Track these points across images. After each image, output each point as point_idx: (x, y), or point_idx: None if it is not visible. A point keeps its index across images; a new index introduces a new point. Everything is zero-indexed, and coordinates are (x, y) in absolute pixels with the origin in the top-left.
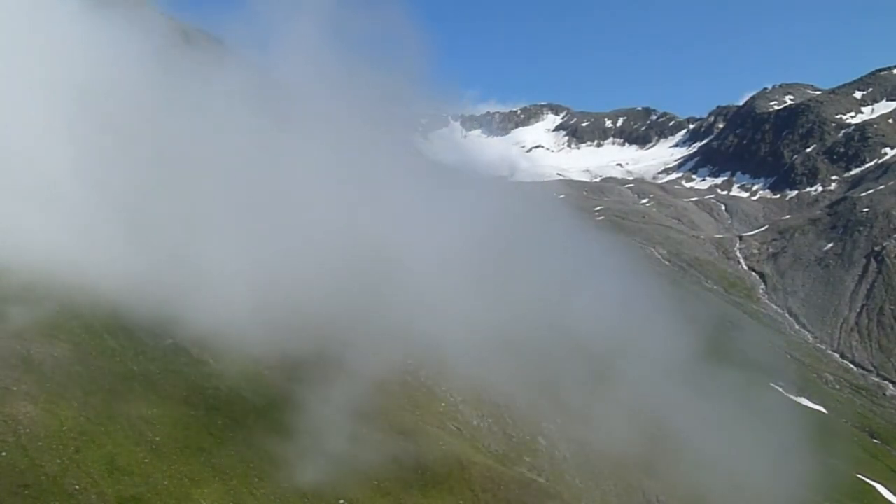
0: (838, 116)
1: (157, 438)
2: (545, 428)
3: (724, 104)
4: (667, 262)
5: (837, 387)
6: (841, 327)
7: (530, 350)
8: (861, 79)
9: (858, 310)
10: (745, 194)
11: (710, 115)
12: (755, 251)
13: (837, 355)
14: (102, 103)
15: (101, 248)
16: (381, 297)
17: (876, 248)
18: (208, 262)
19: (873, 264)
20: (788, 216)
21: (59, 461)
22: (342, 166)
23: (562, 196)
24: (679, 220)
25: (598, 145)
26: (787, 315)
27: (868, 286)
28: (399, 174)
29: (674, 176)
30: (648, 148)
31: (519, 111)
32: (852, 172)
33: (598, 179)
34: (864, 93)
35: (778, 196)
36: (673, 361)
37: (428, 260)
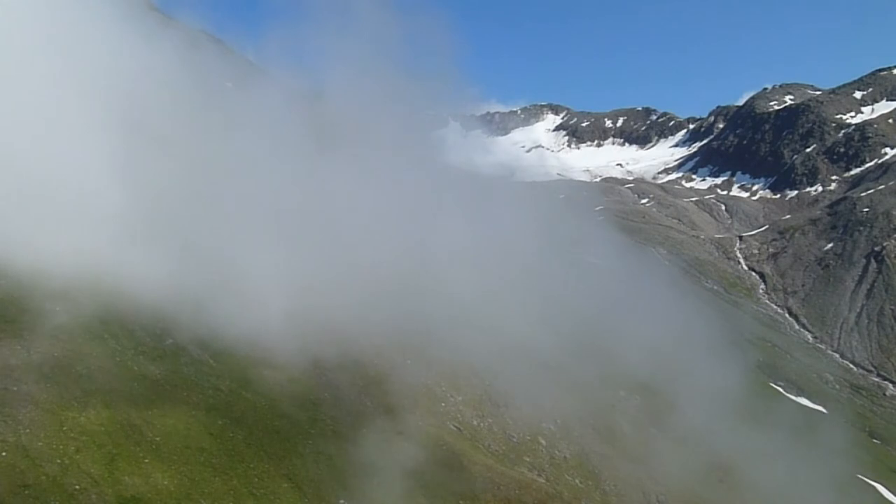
0: (838, 116)
1: (158, 438)
2: (545, 428)
3: (724, 104)
4: (667, 263)
5: (837, 387)
6: (841, 327)
7: (572, 373)
8: (861, 79)
9: (858, 310)
10: (745, 194)
11: (710, 115)
12: (755, 251)
13: (837, 355)
14: (138, 112)
15: (130, 253)
16: (415, 305)
17: (876, 248)
18: (242, 268)
19: (873, 264)
20: (788, 216)
21: (59, 461)
22: (379, 175)
23: (562, 196)
24: (679, 220)
25: (598, 145)
26: (787, 315)
27: (868, 286)
28: (432, 180)
29: (674, 176)
30: (648, 148)
31: (519, 111)
32: (852, 172)
33: (598, 179)
34: (864, 93)
35: (778, 196)
36: (723, 388)
37: (463, 268)
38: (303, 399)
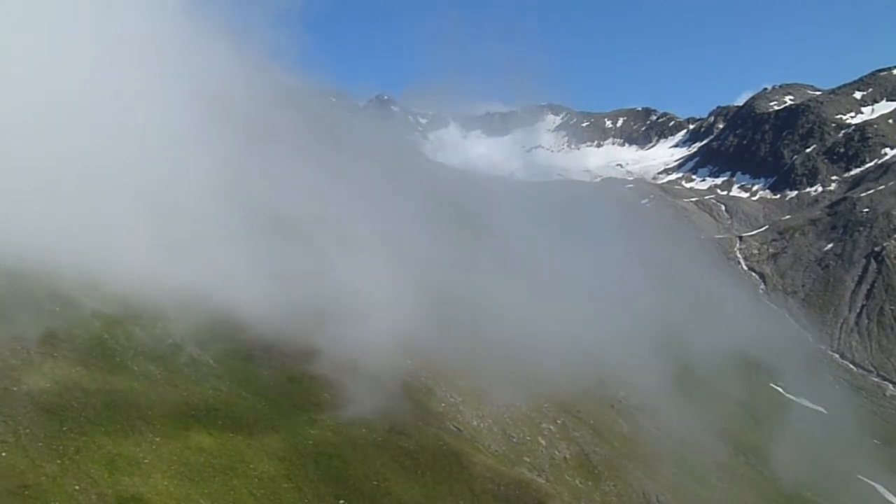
0: (838, 117)
1: (158, 438)
2: (545, 428)
3: (724, 104)
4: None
5: (837, 387)
6: (841, 327)
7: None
8: (861, 79)
9: (858, 310)
10: (745, 194)
11: (710, 115)
12: (755, 251)
13: (837, 355)
14: (250, 133)
15: (239, 272)
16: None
17: (876, 249)
18: (342, 293)
19: (873, 264)
20: (788, 216)
21: (59, 461)
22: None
23: (562, 197)
24: (679, 220)
25: (598, 145)
26: (787, 315)
27: (868, 286)
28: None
29: (674, 176)
30: (648, 148)
31: (519, 111)
32: (852, 173)
33: (598, 180)
34: (864, 93)
35: (778, 196)
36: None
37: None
38: (304, 400)
